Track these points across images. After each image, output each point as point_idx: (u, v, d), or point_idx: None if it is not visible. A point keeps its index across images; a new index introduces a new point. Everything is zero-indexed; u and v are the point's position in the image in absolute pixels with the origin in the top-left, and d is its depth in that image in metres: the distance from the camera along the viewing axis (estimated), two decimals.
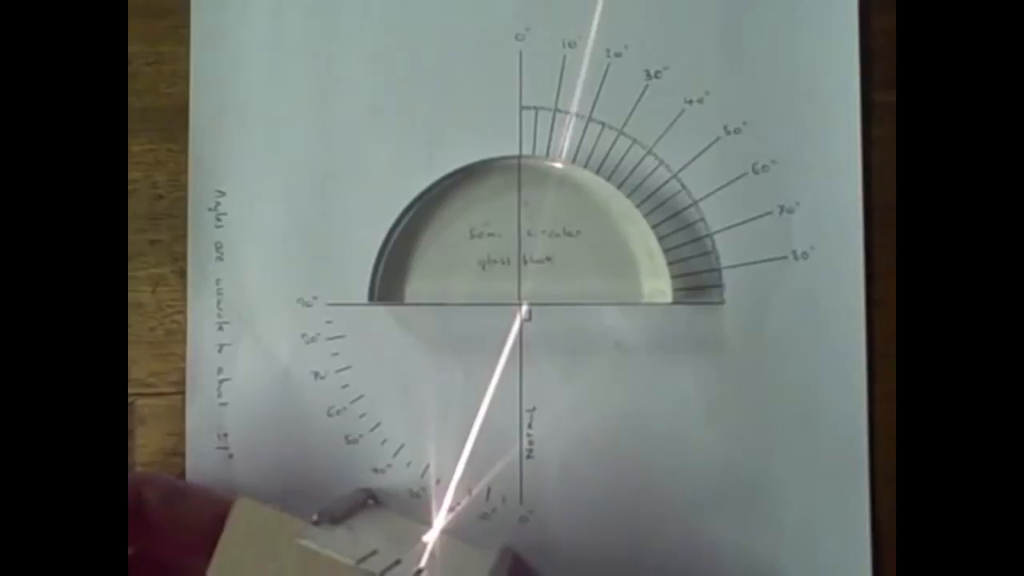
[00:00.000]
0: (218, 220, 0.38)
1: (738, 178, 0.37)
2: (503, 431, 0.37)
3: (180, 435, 0.37)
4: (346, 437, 0.37)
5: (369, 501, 0.36)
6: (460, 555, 0.34)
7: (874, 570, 0.36)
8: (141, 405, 0.37)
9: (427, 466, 0.37)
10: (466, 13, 0.38)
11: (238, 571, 0.29)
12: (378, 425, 0.37)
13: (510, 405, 0.37)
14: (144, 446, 0.37)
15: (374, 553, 0.29)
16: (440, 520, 0.36)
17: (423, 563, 0.31)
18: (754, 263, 0.37)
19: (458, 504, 0.36)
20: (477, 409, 0.37)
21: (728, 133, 0.37)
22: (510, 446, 0.37)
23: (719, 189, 0.37)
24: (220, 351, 0.37)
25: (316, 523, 0.30)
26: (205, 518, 0.30)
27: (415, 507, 0.36)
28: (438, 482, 0.37)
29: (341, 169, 0.38)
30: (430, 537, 0.34)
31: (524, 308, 0.37)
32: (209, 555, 0.29)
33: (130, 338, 0.37)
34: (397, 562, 0.29)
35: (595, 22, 0.37)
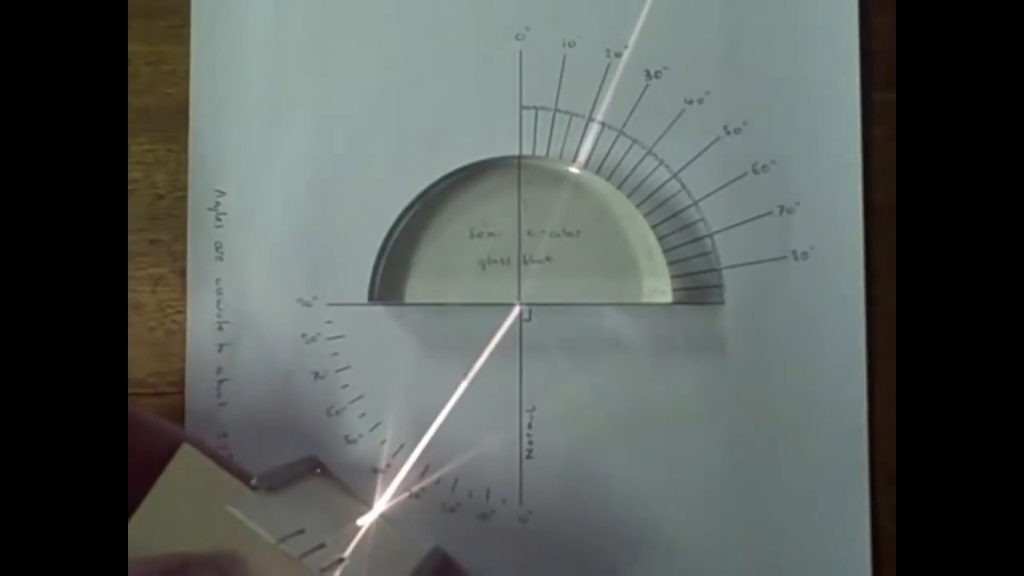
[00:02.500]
0: (218, 220, 0.38)
1: (738, 178, 0.37)
2: (503, 431, 0.37)
3: None
4: (346, 437, 0.37)
5: (317, 470, 0.36)
6: (388, 546, 0.34)
7: (874, 570, 0.36)
8: (141, 405, 0.37)
9: (427, 467, 0.37)
10: (466, 13, 0.38)
11: (165, 518, 0.28)
12: (378, 425, 0.37)
13: (510, 405, 0.37)
14: None
15: (300, 533, 0.29)
16: (381, 503, 0.36)
17: (347, 552, 0.30)
18: (754, 263, 0.37)
19: (457, 504, 0.36)
20: (477, 409, 0.37)
21: (728, 133, 0.37)
22: (510, 446, 0.37)
23: (719, 189, 0.37)
24: (220, 351, 0.37)
25: (254, 488, 0.30)
26: (150, 451, 0.29)
27: (413, 507, 0.36)
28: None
29: (341, 169, 0.38)
30: (365, 521, 0.34)
31: (524, 308, 0.37)
32: (144, 493, 0.28)
33: (130, 338, 0.37)
34: (321, 546, 0.29)
35: (597, 22, 0.37)
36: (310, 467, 0.36)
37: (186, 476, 0.29)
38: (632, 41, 0.37)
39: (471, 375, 0.37)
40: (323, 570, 0.28)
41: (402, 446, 0.37)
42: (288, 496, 0.32)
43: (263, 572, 0.28)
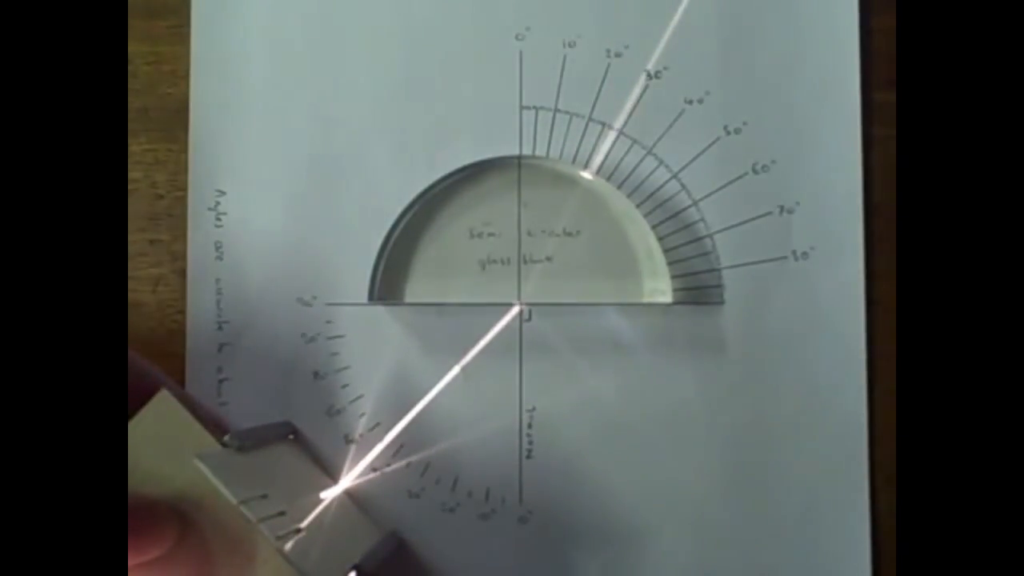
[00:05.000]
0: (218, 220, 0.38)
1: (738, 178, 0.37)
2: (503, 431, 0.37)
3: None
4: (346, 437, 0.37)
5: (290, 436, 0.36)
6: (347, 524, 0.34)
7: (874, 570, 0.36)
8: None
9: (427, 466, 0.37)
10: (466, 13, 0.38)
11: (132, 459, 0.28)
12: (378, 425, 0.37)
13: (510, 405, 0.37)
14: None
15: (263, 497, 0.29)
16: (347, 480, 0.36)
17: (304, 523, 0.30)
18: (754, 263, 0.37)
19: (457, 504, 0.36)
20: (477, 409, 0.37)
21: (728, 133, 0.37)
22: (510, 446, 0.37)
23: (719, 189, 0.37)
24: (220, 351, 0.37)
25: (225, 445, 0.30)
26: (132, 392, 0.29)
27: (411, 506, 0.36)
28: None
29: (341, 169, 0.38)
30: (328, 495, 0.34)
31: (524, 308, 0.37)
32: None
33: (130, 338, 0.37)
34: (281, 514, 0.29)
35: (597, 22, 0.37)
36: (284, 432, 0.36)
37: (159, 421, 0.29)
38: (632, 41, 0.37)
39: (471, 375, 0.37)
40: (279, 537, 0.28)
41: (402, 446, 0.37)
42: (257, 458, 0.32)
43: (222, 527, 0.28)
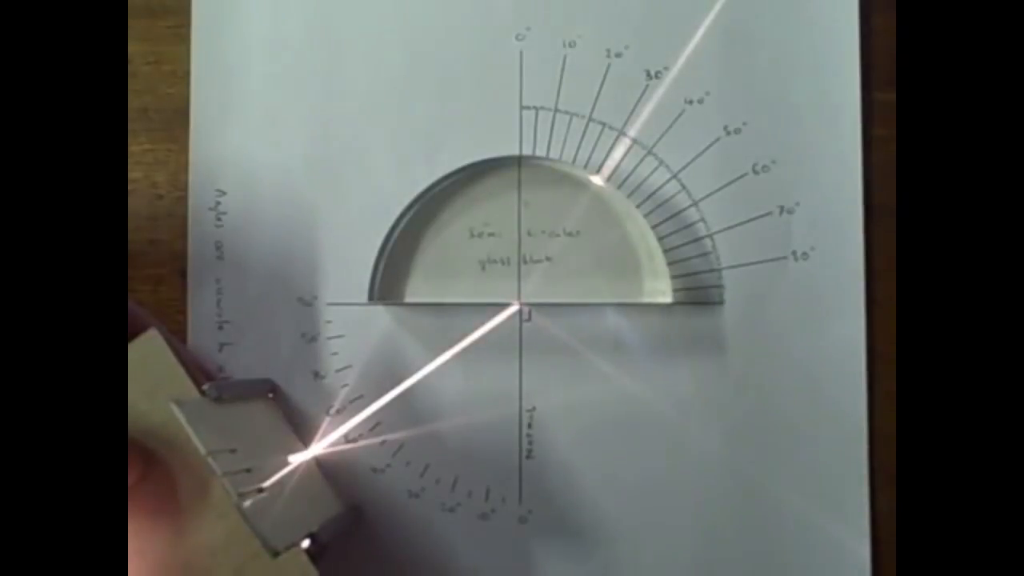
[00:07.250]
0: (218, 220, 0.38)
1: (738, 178, 0.37)
2: (503, 431, 0.37)
3: None
4: (345, 437, 0.37)
5: (269, 394, 0.36)
6: (310, 492, 0.34)
7: (874, 569, 0.36)
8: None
9: (427, 466, 0.37)
10: (466, 13, 0.38)
11: None
12: (378, 425, 0.37)
13: (510, 405, 0.37)
14: None
15: (231, 452, 0.29)
16: (317, 447, 0.36)
17: (267, 484, 0.30)
18: (754, 263, 0.37)
19: (457, 504, 0.36)
20: (477, 409, 0.37)
21: (728, 133, 0.37)
22: (510, 446, 0.37)
23: (719, 189, 0.37)
24: (220, 351, 0.37)
25: (203, 393, 0.30)
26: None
27: (411, 506, 0.37)
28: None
29: (341, 169, 0.38)
30: (296, 459, 0.34)
31: (524, 308, 0.37)
32: None
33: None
34: (246, 471, 0.29)
35: (597, 22, 0.37)
36: (264, 389, 0.36)
37: (143, 358, 0.29)
38: (632, 41, 0.37)
39: (471, 375, 0.37)
40: (240, 494, 0.28)
41: (402, 446, 0.37)
42: (233, 411, 0.32)
43: (186, 473, 0.29)
